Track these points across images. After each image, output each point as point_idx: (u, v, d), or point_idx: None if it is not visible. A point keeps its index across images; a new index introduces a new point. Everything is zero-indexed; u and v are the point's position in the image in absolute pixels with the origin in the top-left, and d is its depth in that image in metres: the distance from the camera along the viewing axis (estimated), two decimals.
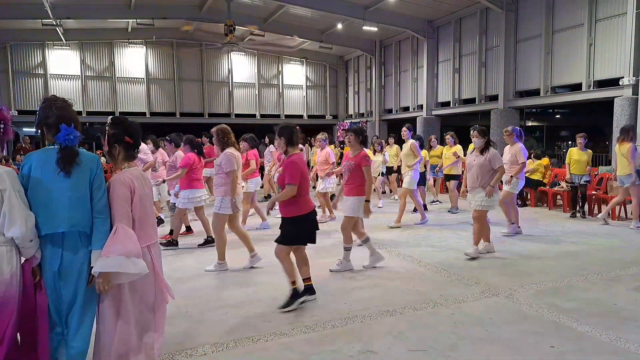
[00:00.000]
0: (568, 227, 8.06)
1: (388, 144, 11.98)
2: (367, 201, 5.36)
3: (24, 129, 19.49)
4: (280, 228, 4.42)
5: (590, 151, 9.08)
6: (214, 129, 5.70)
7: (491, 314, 4.12)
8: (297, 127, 4.58)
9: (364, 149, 5.67)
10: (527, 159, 10.95)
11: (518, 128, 7.69)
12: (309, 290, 4.44)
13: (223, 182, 5.49)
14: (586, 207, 9.11)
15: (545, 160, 10.55)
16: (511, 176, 7.23)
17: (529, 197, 10.77)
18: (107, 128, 2.87)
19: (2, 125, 2.61)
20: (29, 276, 2.57)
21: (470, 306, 4.33)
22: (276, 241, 4.38)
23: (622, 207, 8.95)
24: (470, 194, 6.20)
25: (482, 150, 6.14)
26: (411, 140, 8.49)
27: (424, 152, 9.52)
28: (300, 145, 7.30)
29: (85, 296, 2.64)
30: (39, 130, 2.67)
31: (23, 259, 2.57)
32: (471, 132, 6.24)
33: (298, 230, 4.32)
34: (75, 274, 2.60)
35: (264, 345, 3.56)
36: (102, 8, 16.43)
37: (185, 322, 3.99)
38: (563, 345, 3.50)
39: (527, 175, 10.59)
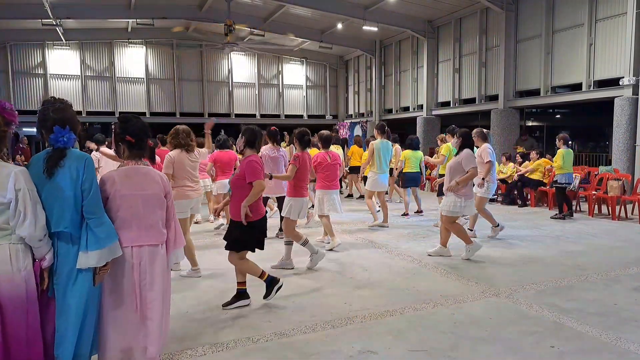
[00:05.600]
0: (568, 227, 8.06)
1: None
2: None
3: (24, 129, 19.47)
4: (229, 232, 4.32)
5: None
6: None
7: (491, 314, 4.12)
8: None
9: (308, 149, 5.89)
10: (527, 159, 11.04)
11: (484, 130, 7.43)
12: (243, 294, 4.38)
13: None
14: (585, 209, 9.10)
15: (545, 161, 10.51)
16: (482, 179, 6.78)
17: (529, 197, 10.76)
18: (113, 127, 2.98)
19: (13, 126, 2.64)
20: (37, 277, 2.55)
21: (470, 306, 4.33)
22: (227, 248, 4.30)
23: (622, 207, 8.96)
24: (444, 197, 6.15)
25: (457, 152, 6.12)
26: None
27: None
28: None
29: (74, 299, 2.60)
30: (40, 134, 2.70)
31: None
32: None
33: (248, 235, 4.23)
34: (64, 276, 2.58)
35: (264, 345, 3.56)
36: (102, 8, 16.40)
37: (186, 322, 3.99)
38: (563, 345, 3.50)
39: (527, 175, 10.60)
